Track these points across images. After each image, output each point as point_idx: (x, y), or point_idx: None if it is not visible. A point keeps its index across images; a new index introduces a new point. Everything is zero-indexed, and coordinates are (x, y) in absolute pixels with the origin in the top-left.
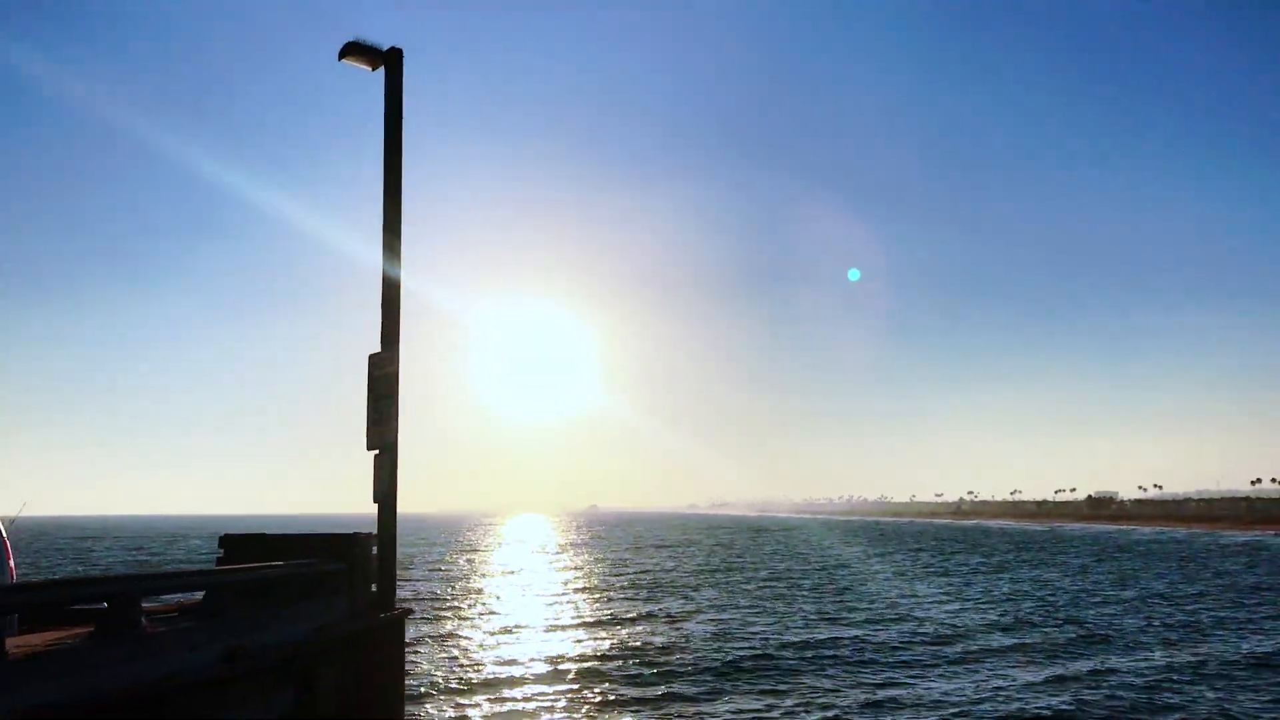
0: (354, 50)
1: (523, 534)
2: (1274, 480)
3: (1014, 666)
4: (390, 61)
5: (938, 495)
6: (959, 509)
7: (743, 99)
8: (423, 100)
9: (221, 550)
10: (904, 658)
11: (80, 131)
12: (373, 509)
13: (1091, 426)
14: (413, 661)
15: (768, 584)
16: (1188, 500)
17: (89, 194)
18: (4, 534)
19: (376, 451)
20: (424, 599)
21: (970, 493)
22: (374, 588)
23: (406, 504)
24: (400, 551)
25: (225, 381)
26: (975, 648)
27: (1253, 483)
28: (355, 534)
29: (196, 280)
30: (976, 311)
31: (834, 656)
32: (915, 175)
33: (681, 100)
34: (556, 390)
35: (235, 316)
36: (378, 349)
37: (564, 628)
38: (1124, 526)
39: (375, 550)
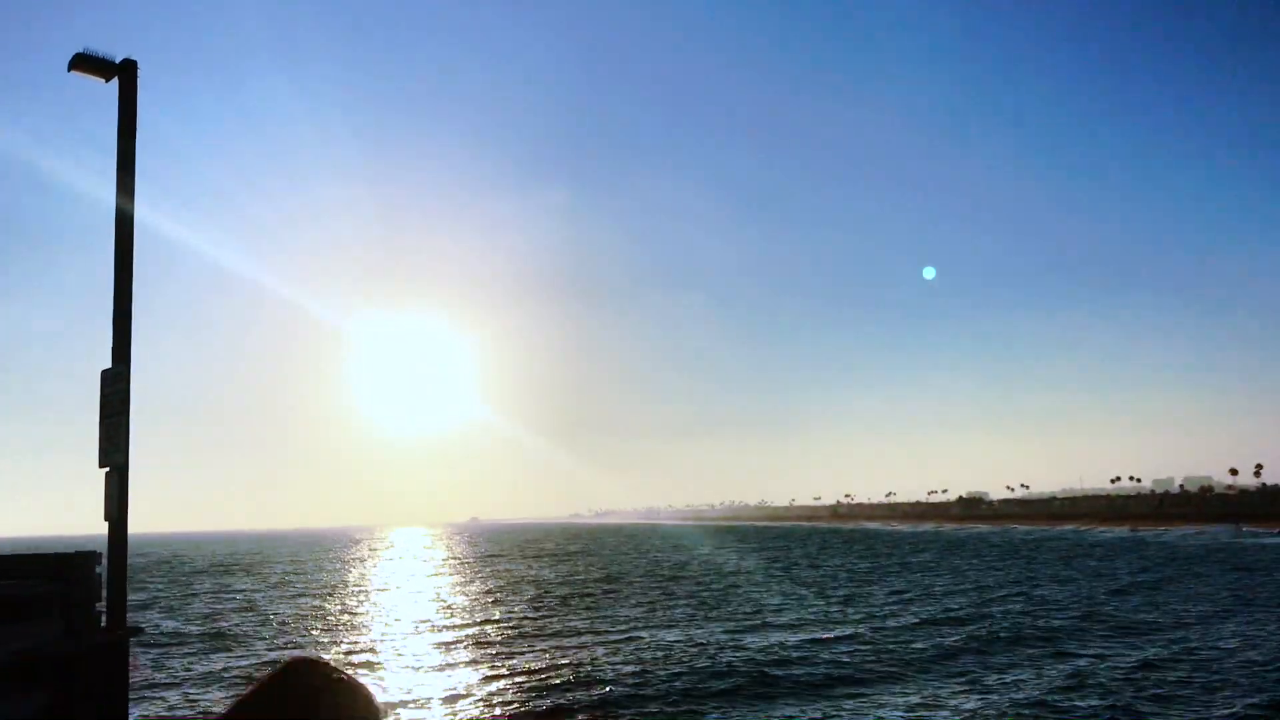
0: (83, 62)
1: (405, 548)
2: (1131, 478)
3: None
4: (124, 73)
5: (816, 498)
6: (837, 511)
7: (620, 96)
8: (292, 102)
9: None
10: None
11: None
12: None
13: (960, 429)
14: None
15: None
16: (1053, 499)
17: None
18: None
19: (108, 470)
20: (285, 620)
21: (847, 495)
22: (100, 609)
23: (282, 521)
24: (272, 570)
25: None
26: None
27: (1112, 481)
28: (73, 553)
29: None
30: (845, 314)
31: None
32: (787, 174)
33: (555, 101)
34: (433, 402)
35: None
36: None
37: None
38: (997, 526)
39: (102, 571)
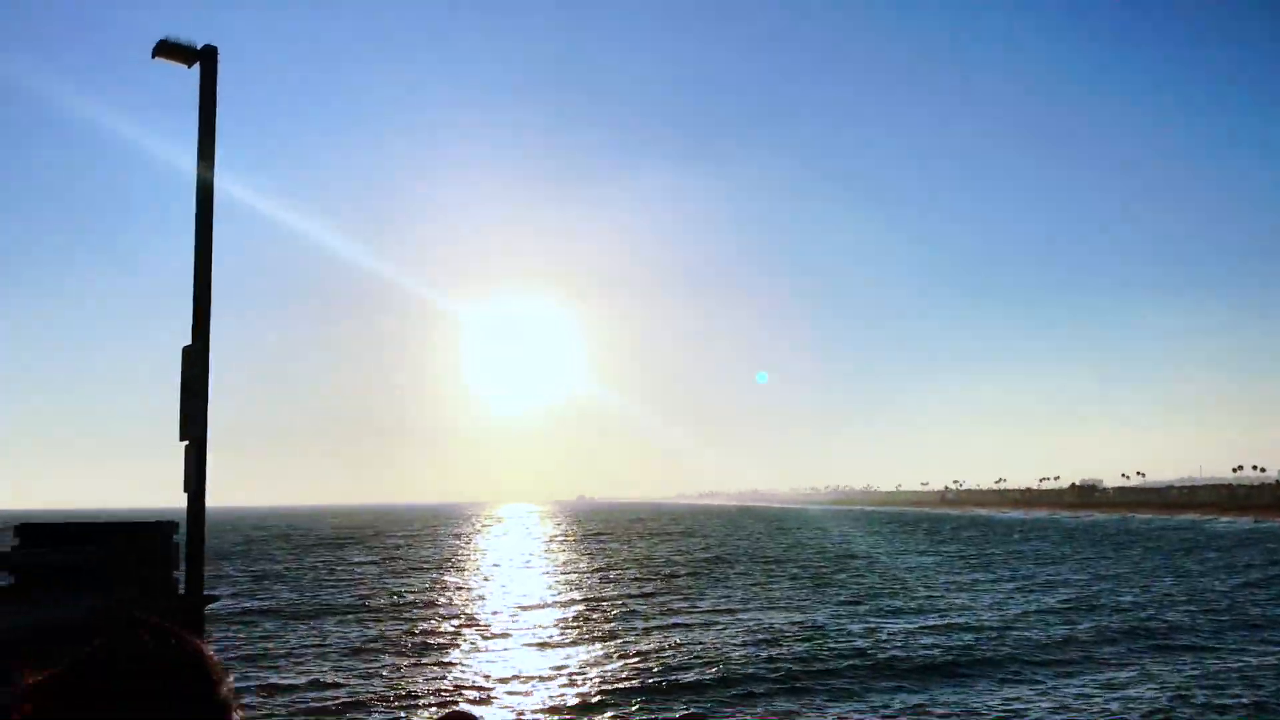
0: (167, 49)
1: (513, 524)
2: (1255, 468)
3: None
4: (205, 59)
5: (923, 484)
6: (945, 496)
7: (737, 78)
8: (403, 92)
9: (17, 539)
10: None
11: None
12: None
13: (1074, 416)
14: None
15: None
16: (1170, 488)
17: None
18: None
19: (187, 444)
20: (408, 592)
21: (956, 481)
22: (178, 575)
23: (396, 496)
24: (385, 544)
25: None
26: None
27: (1234, 470)
28: (150, 522)
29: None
30: (956, 298)
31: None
32: (905, 163)
33: (669, 80)
34: (543, 382)
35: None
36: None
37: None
38: (1113, 514)
39: (180, 539)
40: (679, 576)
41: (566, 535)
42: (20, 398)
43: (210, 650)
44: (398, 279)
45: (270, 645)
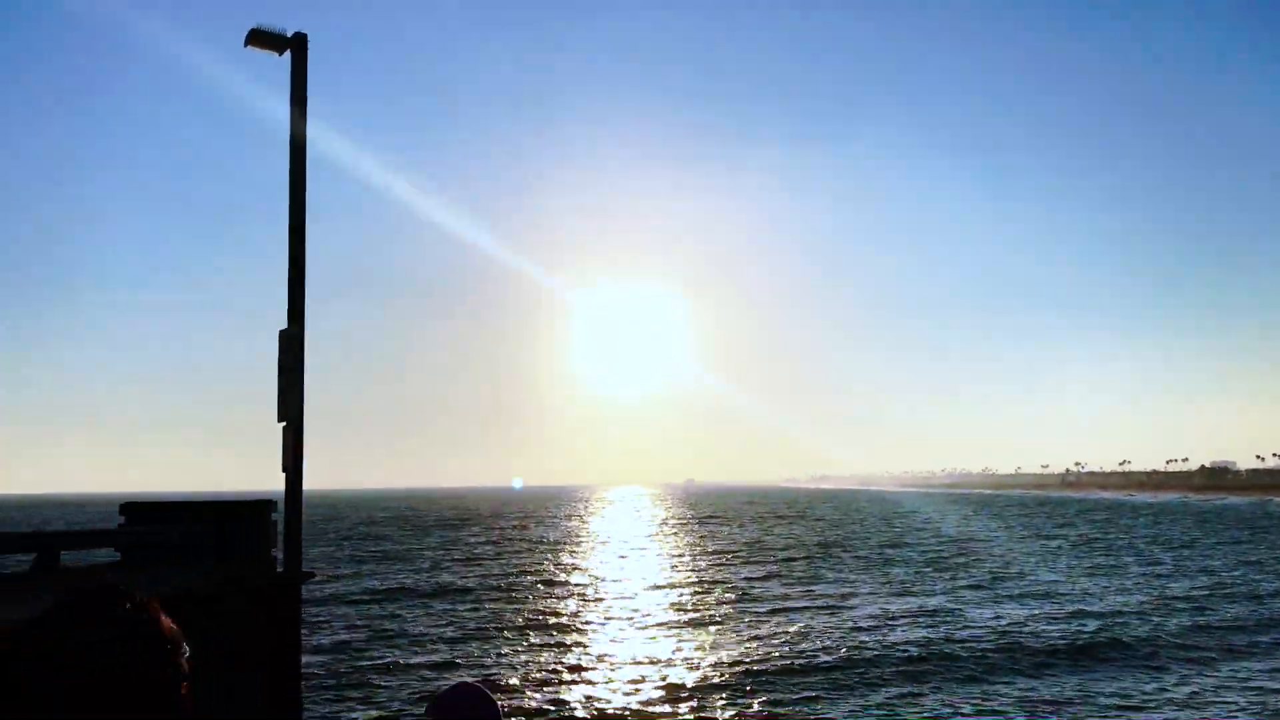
0: (259, 38)
1: (624, 507)
2: None
3: None
4: (296, 47)
5: (1044, 466)
6: (1066, 479)
7: (851, 54)
8: (523, 80)
9: (123, 516)
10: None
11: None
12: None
13: (1201, 392)
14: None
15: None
16: None
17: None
18: None
19: (284, 425)
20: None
21: (1077, 463)
22: (276, 553)
23: (509, 478)
24: (499, 525)
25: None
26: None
27: None
28: (250, 501)
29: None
30: (1083, 276)
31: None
32: (1016, 124)
33: (767, 58)
34: (654, 364)
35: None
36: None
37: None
38: (1249, 498)
39: (279, 518)
40: (794, 560)
41: (678, 518)
42: (120, 384)
43: (169, 621)
44: (511, 262)
45: (389, 624)
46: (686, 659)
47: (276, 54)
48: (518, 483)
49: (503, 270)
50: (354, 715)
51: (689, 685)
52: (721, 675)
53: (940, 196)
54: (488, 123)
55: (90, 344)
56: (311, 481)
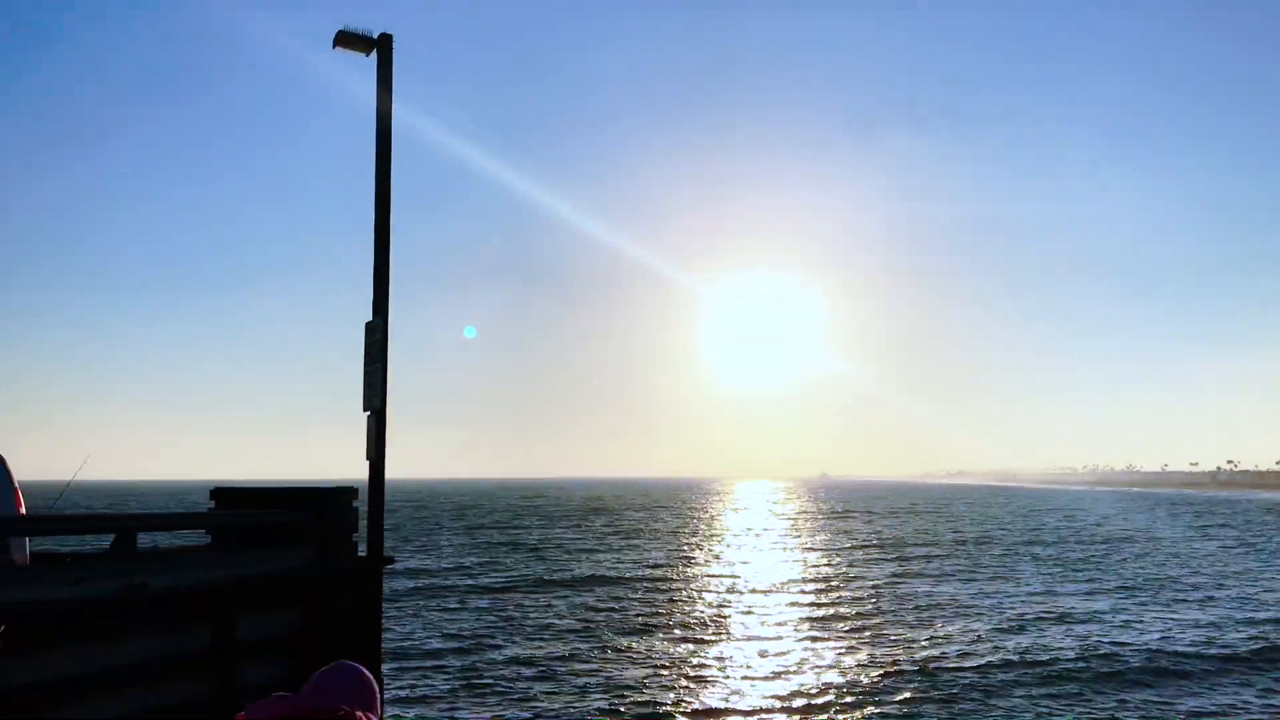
0: (345, 39)
1: (754, 501)
2: None
3: None
4: (381, 47)
5: (1193, 464)
6: (1217, 478)
7: (980, 39)
8: (643, 75)
9: (213, 501)
10: None
11: None
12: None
13: None
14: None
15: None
16: None
17: None
18: (10, 471)
19: (369, 414)
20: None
21: (1230, 461)
22: (356, 539)
23: (641, 470)
24: (626, 517)
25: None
26: None
27: None
28: (332, 488)
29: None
30: (1234, 262)
31: None
32: (1184, 118)
33: (889, 39)
34: (785, 356)
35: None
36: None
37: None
38: None
39: (362, 506)
40: (931, 559)
41: (810, 513)
42: (217, 377)
43: None
44: (641, 257)
45: (515, 614)
46: (811, 662)
47: (364, 54)
48: (648, 475)
49: (633, 264)
50: (434, 692)
51: (807, 690)
52: (833, 680)
53: (1079, 183)
54: (616, 118)
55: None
56: (428, 471)
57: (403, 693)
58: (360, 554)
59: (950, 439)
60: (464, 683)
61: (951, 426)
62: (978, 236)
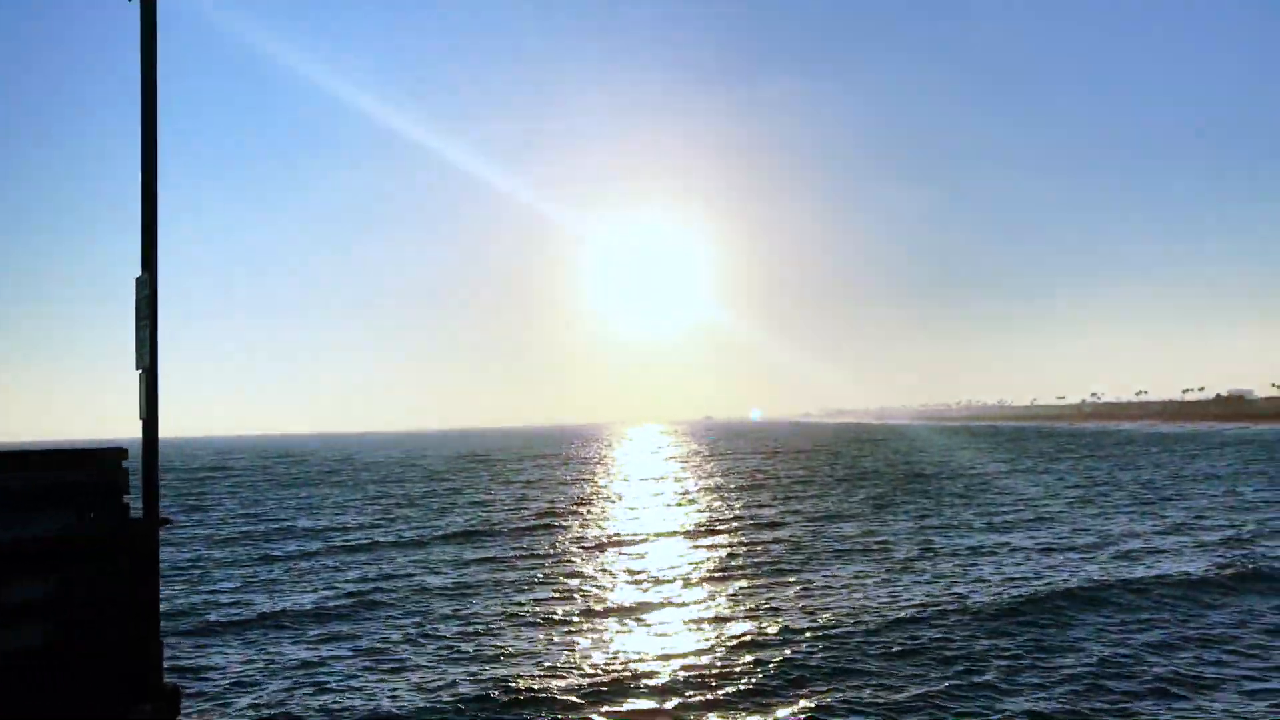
0: None
1: (642, 444)
2: None
3: None
4: None
5: (1060, 398)
6: (1082, 410)
7: None
8: (532, 17)
9: None
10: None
11: None
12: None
13: (1226, 319)
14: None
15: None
16: None
17: None
18: None
19: (140, 372)
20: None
21: (1094, 394)
22: (127, 500)
23: (525, 418)
24: (515, 465)
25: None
26: None
27: None
28: (98, 449)
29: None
30: (1091, 193)
31: None
32: (1032, 46)
33: None
34: (668, 302)
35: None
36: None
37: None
38: (1261, 426)
39: (135, 464)
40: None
41: (695, 454)
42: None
43: None
44: (522, 195)
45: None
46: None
47: (126, 0)
48: (536, 424)
49: (513, 203)
50: (224, 660)
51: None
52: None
53: (955, 126)
54: (498, 57)
55: None
56: (315, 425)
57: (187, 661)
58: (135, 515)
59: (830, 380)
60: (261, 653)
61: (831, 368)
62: (853, 179)
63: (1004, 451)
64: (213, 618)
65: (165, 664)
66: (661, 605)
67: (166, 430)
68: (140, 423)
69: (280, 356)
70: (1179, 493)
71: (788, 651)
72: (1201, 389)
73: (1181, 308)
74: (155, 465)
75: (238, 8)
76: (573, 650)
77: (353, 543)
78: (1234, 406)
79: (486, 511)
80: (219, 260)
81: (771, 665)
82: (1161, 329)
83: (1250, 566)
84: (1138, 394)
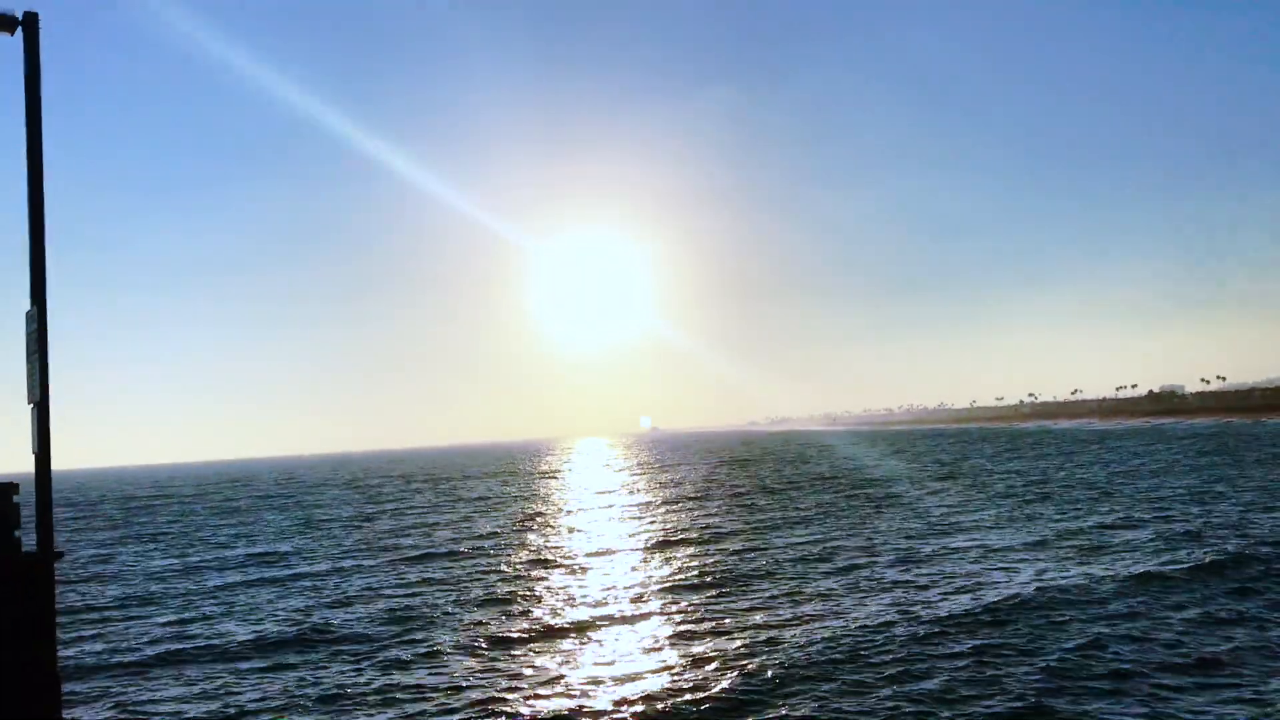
0: None
1: (589, 459)
2: None
3: None
4: (27, 27)
5: (998, 399)
6: (1019, 411)
7: None
8: (470, 28)
9: None
10: None
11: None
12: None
13: (1159, 319)
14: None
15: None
16: (1253, 390)
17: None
18: None
19: (33, 406)
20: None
21: (1031, 394)
22: (17, 535)
23: (467, 435)
24: (460, 484)
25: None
26: None
27: None
28: None
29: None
30: (1027, 201)
31: None
32: (967, 57)
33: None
34: (610, 315)
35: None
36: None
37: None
38: (1186, 420)
39: (26, 499)
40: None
41: (641, 466)
42: None
43: None
44: (463, 209)
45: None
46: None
47: (9, 34)
48: (480, 440)
49: (455, 218)
50: (122, 697)
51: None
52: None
53: (888, 132)
54: (435, 69)
55: None
56: (259, 450)
57: (122, 697)
58: (28, 549)
59: (774, 388)
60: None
61: (775, 377)
62: (790, 188)
63: (949, 455)
64: (146, 653)
65: (107, 700)
66: (610, 623)
67: (116, 459)
68: (33, 457)
69: (223, 380)
70: (1138, 489)
71: (751, 664)
72: (1134, 386)
73: (1113, 308)
74: (49, 499)
75: (180, 6)
76: (521, 675)
77: (294, 569)
78: (1166, 402)
79: (431, 532)
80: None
81: (735, 679)
82: (1092, 328)
83: (1208, 559)
84: (1073, 393)
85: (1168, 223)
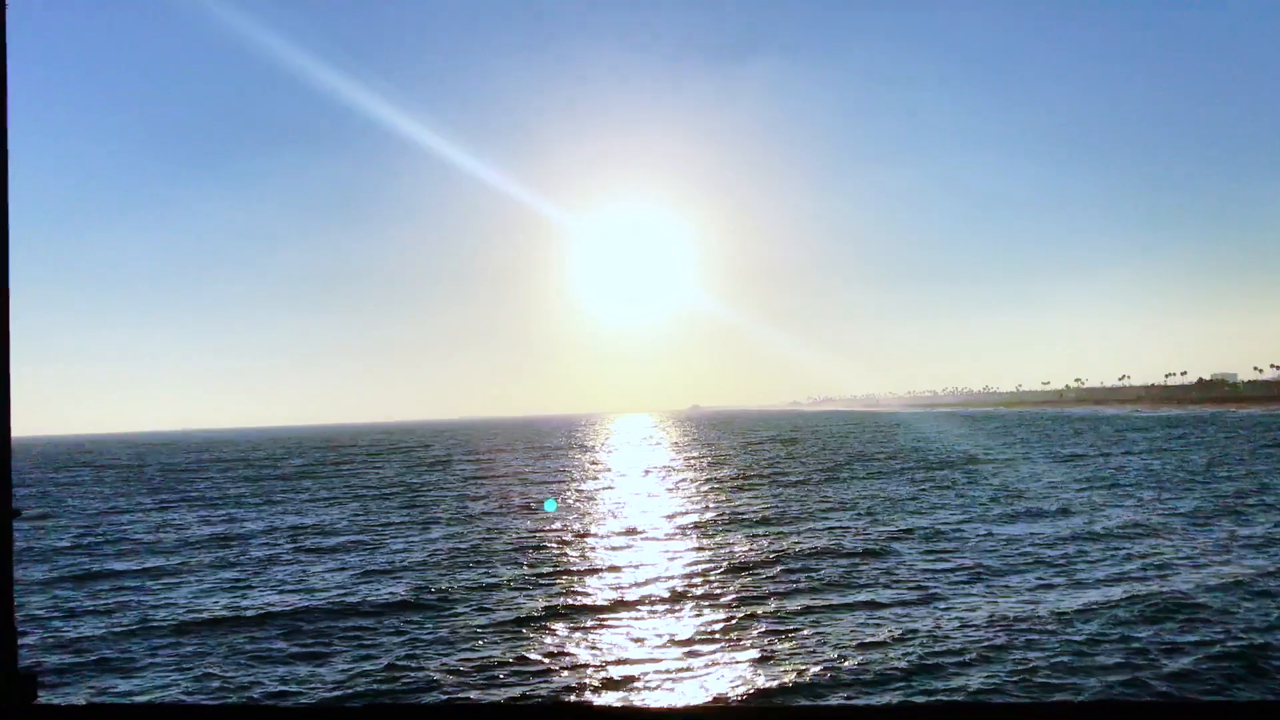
0: None
1: (630, 434)
2: None
3: None
4: None
5: (1045, 383)
6: (1064, 395)
7: None
8: (519, 11)
9: None
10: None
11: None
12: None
13: (1210, 305)
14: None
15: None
16: None
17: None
18: None
19: None
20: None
21: (1077, 379)
22: None
23: (515, 408)
24: (506, 456)
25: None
26: None
27: None
28: None
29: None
30: (1082, 183)
31: None
32: (1021, 32)
33: None
34: (655, 291)
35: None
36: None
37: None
38: (1237, 409)
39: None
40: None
41: (682, 443)
42: None
43: None
44: (509, 190)
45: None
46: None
47: None
48: (526, 414)
49: (501, 198)
50: (88, 656)
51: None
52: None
53: (942, 110)
54: (483, 46)
55: None
56: (301, 418)
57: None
58: None
59: (817, 368)
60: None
61: (818, 356)
62: (839, 163)
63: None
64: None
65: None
66: (639, 604)
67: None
68: None
69: (261, 349)
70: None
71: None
72: (1184, 373)
73: (1163, 293)
74: (8, 460)
75: None
76: (557, 651)
77: (336, 542)
78: (1217, 390)
79: (468, 504)
80: (188, 252)
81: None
82: (1142, 313)
83: None
84: (1120, 379)
85: (1222, 208)
